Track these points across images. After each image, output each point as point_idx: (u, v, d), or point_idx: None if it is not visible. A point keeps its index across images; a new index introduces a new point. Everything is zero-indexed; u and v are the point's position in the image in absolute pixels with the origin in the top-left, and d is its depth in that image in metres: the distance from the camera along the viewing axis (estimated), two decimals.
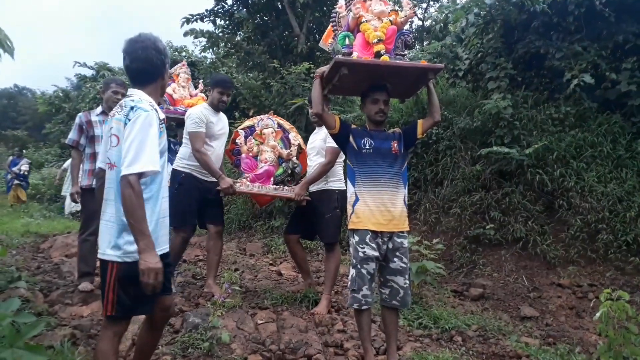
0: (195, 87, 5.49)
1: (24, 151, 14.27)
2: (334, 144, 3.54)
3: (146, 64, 2.26)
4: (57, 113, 16.74)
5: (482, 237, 5.82)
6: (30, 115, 32.10)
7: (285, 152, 4.41)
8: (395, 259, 3.04)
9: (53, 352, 2.86)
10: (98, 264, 2.32)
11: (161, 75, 2.34)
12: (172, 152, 4.40)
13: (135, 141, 2.10)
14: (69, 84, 24.19)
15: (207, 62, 13.36)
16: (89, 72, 14.16)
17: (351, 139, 3.14)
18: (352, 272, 3.05)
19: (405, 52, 3.23)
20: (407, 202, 3.17)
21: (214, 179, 4.19)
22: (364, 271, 2.98)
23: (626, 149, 5.68)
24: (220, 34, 10.78)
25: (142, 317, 2.52)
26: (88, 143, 4.42)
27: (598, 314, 2.81)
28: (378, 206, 3.03)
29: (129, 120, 2.14)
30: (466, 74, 7.38)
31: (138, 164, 2.07)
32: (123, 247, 2.16)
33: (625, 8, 5.90)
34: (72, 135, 4.46)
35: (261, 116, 4.55)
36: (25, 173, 12.88)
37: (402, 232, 3.09)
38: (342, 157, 4.19)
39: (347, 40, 3.14)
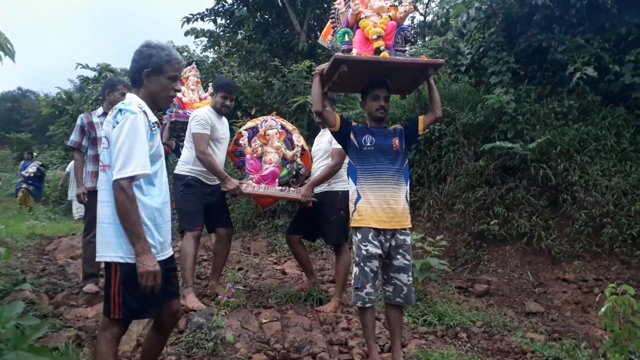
0: (205, 90, 5.45)
1: (35, 154, 14.11)
2: (340, 146, 3.52)
3: (132, 69, 2.32)
4: (60, 115, 16.80)
5: (486, 233, 5.80)
6: (34, 118, 32.24)
7: (289, 153, 4.39)
8: (399, 256, 3.03)
9: (58, 354, 2.88)
10: (103, 265, 2.32)
11: (140, 80, 2.30)
12: (180, 156, 4.39)
13: (124, 145, 2.11)
14: (72, 86, 24.27)
15: (209, 62, 13.36)
16: (91, 74, 14.17)
17: (352, 136, 3.13)
18: (355, 270, 3.04)
19: (406, 48, 3.21)
20: (409, 198, 3.16)
21: (218, 183, 4.18)
22: (367, 269, 2.98)
23: (630, 142, 5.64)
24: (221, 33, 10.78)
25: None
26: (90, 145, 4.40)
27: (603, 309, 2.79)
28: (380, 203, 3.01)
29: (117, 123, 2.16)
30: (468, 69, 7.34)
31: (128, 167, 2.09)
32: (124, 247, 2.16)
33: (627, 0, 5.85)
34: (74, 137, 4.45)
35: (264, 117, 4.53)
36: (31, 175, 12.70)
37: (405, 229, 3.08)
38: (347, 159, 4.17)
39: (346, 36, 3.13)
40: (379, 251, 3.00)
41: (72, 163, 8.27)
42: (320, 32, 3.91)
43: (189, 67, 5.38)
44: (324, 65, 3.20)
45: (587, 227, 5.29)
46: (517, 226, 5.61)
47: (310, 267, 4.57)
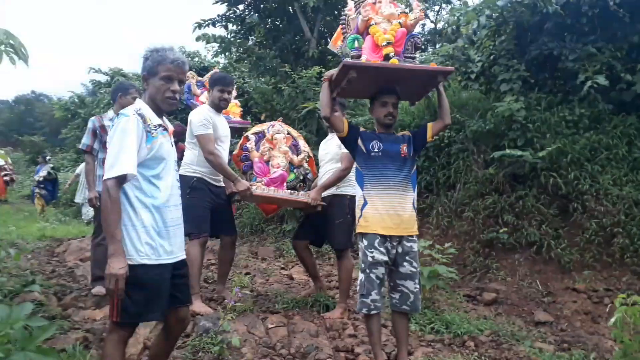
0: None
1: (48, 158, 14.15)
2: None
3: (141, 71, 2.38)
4: (73, 118, 16.98)
5: (495, 241, 5.76)
6: (47, 121, 32.63)
7: (296, 158, 4.37)
8: (405, 263, 3.02)
9: (65, 356, 2.90)
10: None
11: (145, 80, 2.35)
12: None
13: (114, 146, 2.17)
14: (84, 89, 24.52)
15: (220, 67, 13.46)
16: (103, 78, 14.32)
17: (360, 142, 3.13)
18: (361, 276, 3.04)
19: (416, 55, 3.21)
20: (416, 205, 3.15)
21: (223, 185, 4.17)
22: (372, 276, 2.97)
23: None
24: (232, 39, 10.87)
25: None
26: (101, 148, 4.39)
27: (613, 320, 2.76)
28: (387, 210, 3.01)
29: (113, 126, 2.24)
30: (478, 77, 7.31)
31: (115, 168, 2.13)
32: (125, 250, 2.18)
33: None
34: (86, 140, 4.47)
35: (271, 122, 4.53)
36: (40, 179, 12.76)
37: (412, 236, 3.07)
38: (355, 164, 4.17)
39: (356, 43, 3.14)
40: (385, 258, 2.99)
41: (82, 165, 8.33)
42: (331, 39, 3.91)
43: (211, 72, 5.33)
44: (333, 71, 3.21)
45: (598, 237, 5.23)
46: (527, 235, 5.56)
47: (316, 272, 4.56)
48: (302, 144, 4.46)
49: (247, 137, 4.38)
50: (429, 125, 3.24)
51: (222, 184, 4.20)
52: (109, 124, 4.39)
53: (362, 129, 3.25)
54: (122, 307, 2.18)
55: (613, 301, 3.04)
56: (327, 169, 4.23)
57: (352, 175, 4.16)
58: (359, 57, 3.06)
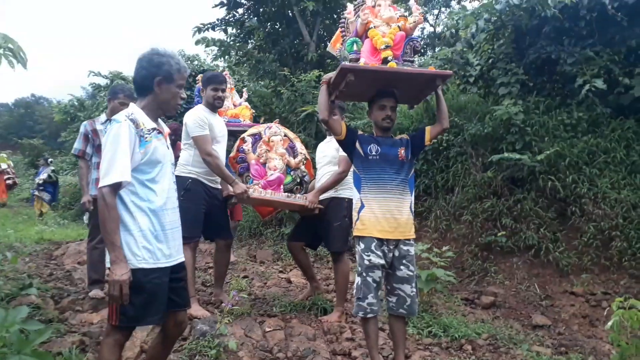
0: (240, 96, 5.34)
1: (50, 160, 14.13)
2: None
3: (137, 77, 2.34)
4: (72, 122, 16.97)
5: (493, 245, 5.76)
6: (47, 124, 32.65)
7: (293, 160, 4.33)
8: (402, 267, 3.02)
9: (61, 359, 2.88)
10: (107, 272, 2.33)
11: (151, 88, 2.32)
12: None
13: (107, 153, 2.16)
14: (84, 93, 24.53)
15: (219, 71, 13.47)
16: (103, 81, 14.31)
17: (357, 145, 3.13)
18: (358, 280, 3.03)
19: (414, 58, 3.21)
20: (413, 209, 3.15)
21: (219, 186, 4.14)
22: (369, 279, 2.96)
23: None
24: (232, 43, 10.88)
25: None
26: (95, 152, 4.36)
27: (610, 323, 2.76)
28: (384, 213, 3.01)
29: (106, 132, 2.23)
30: (477, 80, 7.34)
31: (109, 175, 2.13)
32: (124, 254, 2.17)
33: (638, 12, 5.82)
34: (78, 144, 4.42)
35: (267, 124, 4.49)
36: (40, 182, 12.73)
37: (409, 239, 3.06)
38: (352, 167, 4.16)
39: (355, 46, 3.14)
40: (382, 261, 2.98)
41: None
42: (330, 42, 3.91)
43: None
44: (332, 74, 3.21)
45: (596, 240, 5.24)
46: (525, 238, 5.56)
47: (312, 273, 4.55)
48: (299, 146, 4.42)
49: (243, 138, 4.32)
50: (427, 128, 3.24)
51: (219, 186, 4.15)
52: (102, 127, 4.35)
53: (360, 132, 3.25)
54: (122, 311, 2.17)
55: (611, 305, 3.04)
56: (325, 172, 4.22)
57: (350, 178, 4.15)
58: (357, 60, 3.06)
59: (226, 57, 11.46)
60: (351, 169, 3.35)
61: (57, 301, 4.22)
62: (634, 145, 5.67)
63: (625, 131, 5.77)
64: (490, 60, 7.03)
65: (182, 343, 3.30)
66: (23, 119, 40.47)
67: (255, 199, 4.04)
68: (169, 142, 2.45)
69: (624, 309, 2.78)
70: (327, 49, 4.24)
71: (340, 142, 3.24)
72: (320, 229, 4.24)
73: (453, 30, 7.81)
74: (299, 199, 4.11)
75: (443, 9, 17.38)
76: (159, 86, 2.30)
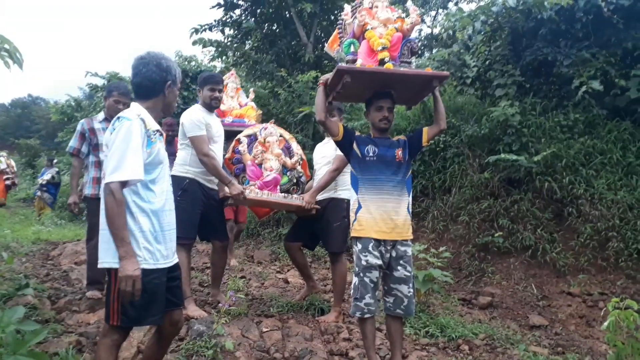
0: (247, 96, 5.27)
1: (55, 161, 14.08)
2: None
3: (145, 80, 2.36)
4: (69, 122, 16.91)
5: (490, 245, 5.78)
6: (44, 124, 32.59)
7: (289, 161, 4.31)
8: (399, 267, 3.02)
9: (58, 359, 2.88)
10: None
11: (161, 91, 2.39)
12: None
13: (118, 149, 2.15)
14: (81, 93, 24.48)
15: (217, 72, 13.46)
16: (100, 82, 14.27)
17: (355, 146, 3.14)
18: (355, 280, 3.03)
19: (411, 60, 3.21)
20: (411, 210, 3.15)
21: (216, 187, 4.13)
22: (366, 279, 2.97)
23: (636, 156, 5.62)
24: (229, 44, 10.87)
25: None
26: (92, 151, 4.32)
27: (606, 324, 2.77)
28: (381, 214, 3.01)
29: (114, 129, 2.22)
30: (474, 81, 7.37)
31: (120, 172, 2.12)
32: None
33: (633, 15, 5.86)
34: (73, 142, 4.37)
35: (263, 124, 4.46)
36: (43, 182, 12.69)
37: (406, 240, 3.07)
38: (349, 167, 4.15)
39: (352, 47, 3.15)
40: (379, 262, 2.99)
41: None
42: (327, 43, 3.91)
43: (228, 73, 5.21)
44: (328, 75, 3.22)
45: (593, 241, 5.26)
46: (522, 239, 5.58)
47: (309, 272, 4.54)
48: (295, 147, 4.40)
49: (239, 139, 4.29)
50: (425, 129, 3.25)
51: (215, 186, 4.14)
52: (99, 126, 4.32)
53: (357, 133, 3.26)
54: (122, 311, 2.18)
55: (607, 305, 3.05)
56: (323, 172, 4.22)
57: (349, 178, 4.16)
58: (354, 61, 3.07)
59: (223, 58, 11.44)
60: (349, 170, 3.35)
61: (53, 301, 4.21)
62: (630, 146, 5.71)
63: (622, 132, 5.80)
64: (487, 62, 7.06)
65: (179, 343, 3.29)
66: (20, 119, 40.38)
67: (251, 200, 4.03)
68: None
69: (620, 309, 2.79)
70: (324, 49, 4.22)
71: (337, 143, 3.24)
72: (318, 229, 4.24)
73: (450, 32, 7.80)
74: (295, 200, 4.10)
75: (440, 11, 17.42)
76: (168, 89, 2.39)
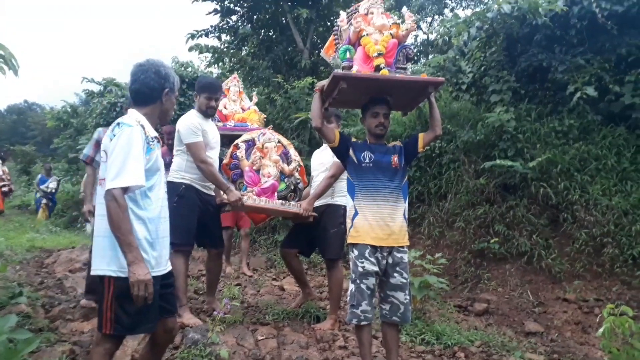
0: (250, 99, 5.23)
1: (55, 169, 14.17)
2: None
3: (143, 86, 2.37)
4: (65, 128, 16.86)
5: (486, 251, 5.78)
6: (39, 131, 32.44)
7: (287, 167, 4.30)
8: (396, 274, 3.01)
9: None
10: None
11: (159, 98, 2.40)
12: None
13: (119, 156, 2.15)
14: (77, 99, 24.44)
15: (214, 76, 13.46)
16: (96, 88, 14.25)
17: (351, 152, 3.13)
18: (352, 287, 3.02)
19: (407, 66, 3.22)
20: (407, 216, 3.15)
21: (213, 193, 4.12)
22: (363, 286, 2.95)
23: (631, 162, 5.63)
24: (225, 49, 10.88)
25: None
26: None
27: (601, 330, 2.77)
28: (377, 220, 3.00)
29: (114, 135, 2.20)
30: (469, 87, 7.39)
31: (122, 178, 2.12)
32: (118, 261, 2.16)
33: (627, 21, 5.90)
34: (87, 150, 4.33)
35: (262, 130, 4.45)
36: (53, 191, 12.82)
37: (402, 247, 3.06)
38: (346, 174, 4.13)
39: (347, 53, 3.15)
40: (376, 268, 2.98)
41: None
42: (323, 49, 3.91)
43: (230, 77, 5.18)
44: (324, 82, 3.22)
45: (588, 247, 5.26)
46: (518, 245, 5.58)
47: (305, 279, 4.53)
48: (293, 153, 4.39)
49: (237, 145, 4.27)
50: (420, 135, 3.24)
51: (212, 192, 4.12)
52: None
53: (353, 139, 3.26)
54: (115, 319, 2.16)
55: (603, 311, 3.05)
56: (321, 179, 4.20)
57: (346, 185, 4.15)
58: (350, 67, 3.07)
59: (220, 63, 11.46)
60: (345, 176, 3.34)
61: (47, 310, 4.18)
62: (625, 152, 5.72)
63: (616, 138, 5.82)
64: (482, 68, 7.09)
65: (173, 352, 3.27)
66: (15, 125, 40.21)
67: (249, 207, 4.01)
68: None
69: (615, 315, 2.79)
70: (320, 54, 4.21)
71: (333, 149, 3.24)
72: (315, 235, 4.23)
73: (446, 38, 7.84)
74: (293, 207, 4.08)
75: (436, 17, 17.51)
76: (166, 96, 2.40)
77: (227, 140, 4.57)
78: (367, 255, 2.98)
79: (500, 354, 3.79)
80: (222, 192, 3.95)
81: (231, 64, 11.29)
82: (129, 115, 2.33)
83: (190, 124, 3.83)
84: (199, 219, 3.97)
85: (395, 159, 3.12)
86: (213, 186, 4.06)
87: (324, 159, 4.25)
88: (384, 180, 3.07)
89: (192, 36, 10.21)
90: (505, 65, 6.75)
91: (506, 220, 5.84)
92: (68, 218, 13.27)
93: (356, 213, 3.08)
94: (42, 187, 12.62)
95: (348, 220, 3.14)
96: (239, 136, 4.41)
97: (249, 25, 10.83)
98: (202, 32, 10.41)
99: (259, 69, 9.92)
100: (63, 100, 17.35)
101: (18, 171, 23.17)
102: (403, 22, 3.25)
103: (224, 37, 11.01)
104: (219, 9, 10.50)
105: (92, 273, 2.24)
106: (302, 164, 4.44)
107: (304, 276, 4.57)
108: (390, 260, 3.02)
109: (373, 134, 3.19)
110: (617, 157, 5.71)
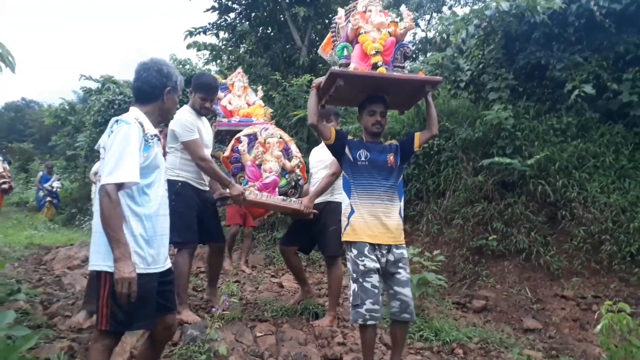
0: (256, 94, 5.15)
1: (54, 167, 14.19)
2: None
3: (144, 84, 2.38)
4: (63, 125, 16.85)
5: (484, 248, 5.79)
6: (37, 128, 32.33)
7: (289, 163, 4.27)
8: (400, 270, 3.00)
9: None
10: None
11: (160, 96, 2.41)
12: None
13: (115, 152, 2.16)
14: (75, 96, 24.39)
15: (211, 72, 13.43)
16: (94, 85, 14.25)
17: (347, 150, 3.13)
18: (354, 286, 2.97)
19: (405, 64, 3.22)
20: (403, 214, 3.14)
21: (209, 189, 4.11)
22: (367, 285, 2.91)
23: (629, 159, 5.65)
24: (223, 47, 10.88)
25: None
26: None
27: (599, 327, 2.78)
28: (373, 219, 3.00)
29: (112, 132, 2.22)
30: (468, 85, 7.39)
31: (116, 174, 2.13)
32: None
33: (625, 19, 5.91)
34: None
35: (264, 125, 4.39)
36: (58, 190, 12.86)
37: (400, 243, 3.06)
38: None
39: (345, 51, 3.15)
40: (377, 265, 2.96)
41: (99, 163, 8.22)
42: (320, 46, 3.90)
43: (235, 72, 5.10)
44: (321, 79, 3.22)
45: (586, 244, 5.28)
46: (516, 242, 5.59)
47: (303, 276, 4.52)
48: (294, 149, 4.36)
49: (238, 138, 4.22)
50: (416, 135, 3.24)
51: (208, 188, 4.10)
52: None
53: (349, 137, 3.25)
54: (111, 315, 2.16)
55: (601, 308, 3.06)
56: (321, 177, 4.19)
57: None
58: (347, 65, 3.07)
59: (218, 61, 11.45)
60: (341, 174, 3.34)
61: (46, 307, 4.17)
62: (623, 149, 5.73)
63: (614, 136, 5.83)
64: (480, 66, 7.09)
65: (172, 348, 3.27)
66: (13, 122, 40.08)
67: (250, 201, 4.00)
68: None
69: (613, 312, 2.80)
70: (318, 51, 4.19)
71: (329, 147, 3.23)
72: (314, 233, 4.22)
73: (444, 36, 7.83)
74: (294, 203, 4.07)
75: (434, 14, 17.48)
76: (167, 95, 2.41)
77: (232, 136, 4.48)
78: (366, 252, 2.97)
79: (499, 351, 3.81)
80: (222, 187, 3.93)
81: (229, 62, 11.28)
82: (129, 112, 2.34)
83: (186, 122, 3.78)
84: (198, 216, 3.96)
85: (391, 157, 3.12)
86: (208, 182, 4.05)
87: (322, 156, 4.24)
88: (379, 179, 3.06)
89: (190, 33, 10.19)
90: (503, 62, 6.75)
91: (504, 217, 5.85)
92: (66, 215, 13.27)
93: (352, 211, 3.07)
94: (46, 185, 12.61)
95: (344, 218, 3.13)
96: None
97: (247, 22, 10.83)
98: (200, 29, 10.40)
99: (257, 67, 9.91)
100: (61, 98, 17.35)
101: (16, 169, 23.14)
102: (401, 20, 3.25)
103: (222, 34, 11.01)
104: (216, 6, 10.50)
105: (89, 268, 2.24)
106: (302, 160, 4.43)
107: (303, 273, 4.57)
108: (391, 258, 3.01)
109: (369, 132, 3.19)
110: (615, 154, 5.72)
